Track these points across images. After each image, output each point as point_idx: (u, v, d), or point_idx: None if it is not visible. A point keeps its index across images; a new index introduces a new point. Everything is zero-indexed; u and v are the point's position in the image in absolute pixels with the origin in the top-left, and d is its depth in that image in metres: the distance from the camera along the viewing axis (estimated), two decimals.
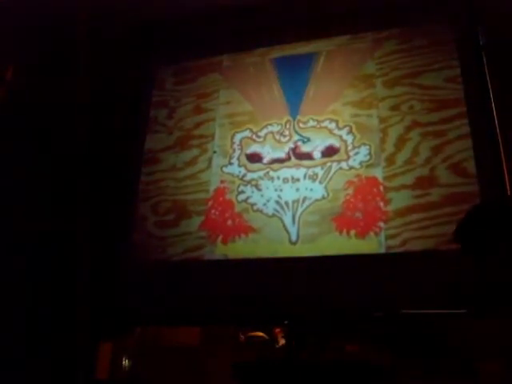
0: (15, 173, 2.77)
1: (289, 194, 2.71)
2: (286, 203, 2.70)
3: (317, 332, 2.45)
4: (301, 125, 2.86)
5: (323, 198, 2.65)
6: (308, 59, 3.00)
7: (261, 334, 2.54)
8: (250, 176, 2.82)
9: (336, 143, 2.76)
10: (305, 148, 2.80)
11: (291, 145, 2.83)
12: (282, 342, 2.49)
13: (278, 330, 2.54)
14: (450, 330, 2.25)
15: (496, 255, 1.60)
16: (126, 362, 2.59)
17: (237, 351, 2.49)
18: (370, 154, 2.67)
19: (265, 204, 2.73)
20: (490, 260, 1.67)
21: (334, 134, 2.78)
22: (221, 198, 2.82)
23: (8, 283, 2.52)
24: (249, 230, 2.70)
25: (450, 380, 2.08)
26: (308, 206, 2.66)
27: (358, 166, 2.66)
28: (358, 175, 2.64)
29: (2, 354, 2.37)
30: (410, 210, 2.48)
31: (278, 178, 2.77)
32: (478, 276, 2.05)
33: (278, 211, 2.69)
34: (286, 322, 2.46)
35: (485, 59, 2.62)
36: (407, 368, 2.16)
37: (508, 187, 2.38)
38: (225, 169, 2.89)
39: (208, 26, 3.11)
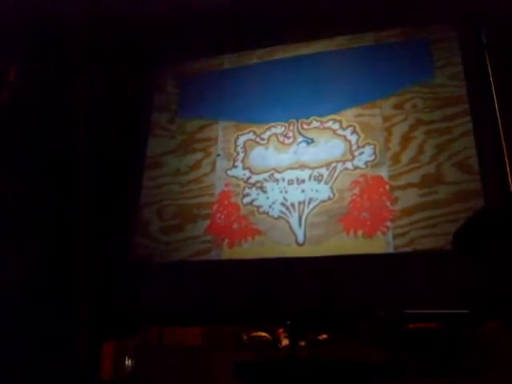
0: (16, 175, 2.76)
1: (294, 195, 2.71)
2: (292, 205, 2.69)
3: (320, 332, 2.44)
4: (304, 126, 2.86)
5: (329, 198, 2.64)
6: (310, 60, 3.00)
7: (264, 333, 2.53)
8: (254, 178, 2.82)
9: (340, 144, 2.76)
10: (309, 149, 2.80)
11: (295, 146, 2.83)
12: (285, 342, 2.48)
13: (280, 330, 2.53)
14: (451, 330, 2.24)
15: (496, 257, 1.60)
16: (129, 362, 2.58)
17: (239, 351, 2.48)
18: (374, 153, 2.67)
19: (270, 206, 2.72)
20: (490, 262, 1.67)
21: (338, 135, 2.78)
22: (226, 202, 2.81)
23: (9, 284, 2.50)
24: (255, 232, 2.69)
25: (452, 380, 2.08)
26: (314, 207, 2.65)
27: (363, 166, 2.66)
28: (363, 175, 2.64)
29: (4, 355, 2.35)
30: (416, 208, 2.48)
31: (283, 179, 2.76)
32: (475, 277, 2.05)
33: (284, 213, 2.68)
34: (288, 322, 2.45)
35: (487, 58, 2.62)
36: (409, 368, 2.15)
37: (511, 183, 2.38)
38: (229, 172, 2.88)
39: (208, 27, 3.10)
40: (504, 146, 2.45)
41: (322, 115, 2.84)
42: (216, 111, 3.05)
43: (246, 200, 2.78)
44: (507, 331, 2.09)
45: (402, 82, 2.74)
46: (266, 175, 2.80)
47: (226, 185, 2.85)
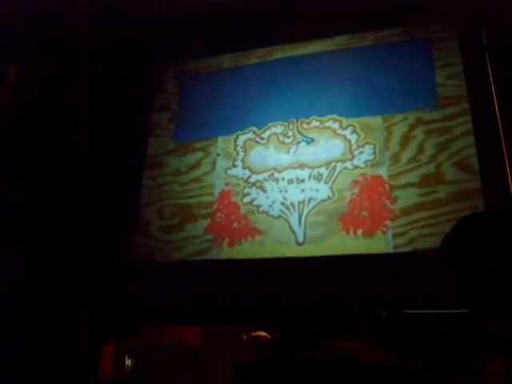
0: (16, 175, 2.76)
1: (294, 195, 2.70)
2: (292, 204, 2.69)
3: (321, 332, 2.44)
4: (304, 125, 2.86)
5: (329, 198, 2.64)
6: (310, 59, 3.00)
7: (264, 333, 2.53)
8: (254, 178, 2.82)
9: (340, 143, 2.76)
10: (309, 148, 2.80)
11: (295, 146, 2.83)
12: (285, 342, 2.48)
13: (280, 330, 2.52)
14: (452, 330, 2.24)
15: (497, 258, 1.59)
16: (129, 362, 2.58)
17: (239, 351, 2.48)
18: (374, 152, 2.66)
19: (270, 205, 2.72)
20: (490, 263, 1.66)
21: (338, 134, 2.78)
22: (226, 201, 2.81)
23: (9, 284, 2.50)
24: (255, 232, 2.69)
25: (452, 380, 2.07)
26: (314, 207, 2.65)
27: (362, 165, 2.65)
28: (362, 174, 2.63)
29: (4, 355, 2.35)
30: (416, 207, 2.47)
31: (283, 179, 2.76)
32: (475, 277, 2.04)
33: (283, 212, 2.68)
34: (288, 322, 2.44)
35: (487, 58, 2.62)
36: (409, 368, 2.14)
37: (511, 183, 2.37)
38: (229, 171, 2.88)
39: (208, 27, 3.10)
40: (504, 145, 2.45)
41: (321, 115, 2.85)
42: (215, 111, 3.06)
43: (246, 199, 2.78)
44: (507, 331, 2.08)
45: (405, 102, 2.71)
46: (265, 175, 2.80)
47: (226, 184, 2.85)
